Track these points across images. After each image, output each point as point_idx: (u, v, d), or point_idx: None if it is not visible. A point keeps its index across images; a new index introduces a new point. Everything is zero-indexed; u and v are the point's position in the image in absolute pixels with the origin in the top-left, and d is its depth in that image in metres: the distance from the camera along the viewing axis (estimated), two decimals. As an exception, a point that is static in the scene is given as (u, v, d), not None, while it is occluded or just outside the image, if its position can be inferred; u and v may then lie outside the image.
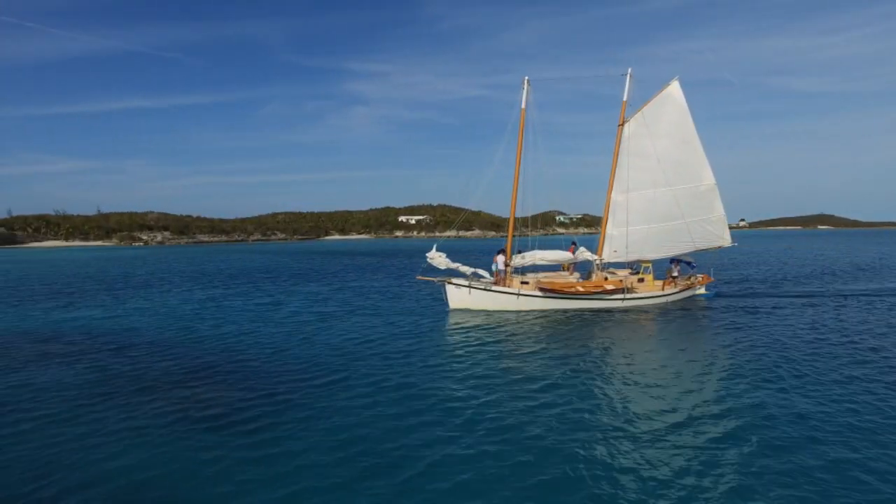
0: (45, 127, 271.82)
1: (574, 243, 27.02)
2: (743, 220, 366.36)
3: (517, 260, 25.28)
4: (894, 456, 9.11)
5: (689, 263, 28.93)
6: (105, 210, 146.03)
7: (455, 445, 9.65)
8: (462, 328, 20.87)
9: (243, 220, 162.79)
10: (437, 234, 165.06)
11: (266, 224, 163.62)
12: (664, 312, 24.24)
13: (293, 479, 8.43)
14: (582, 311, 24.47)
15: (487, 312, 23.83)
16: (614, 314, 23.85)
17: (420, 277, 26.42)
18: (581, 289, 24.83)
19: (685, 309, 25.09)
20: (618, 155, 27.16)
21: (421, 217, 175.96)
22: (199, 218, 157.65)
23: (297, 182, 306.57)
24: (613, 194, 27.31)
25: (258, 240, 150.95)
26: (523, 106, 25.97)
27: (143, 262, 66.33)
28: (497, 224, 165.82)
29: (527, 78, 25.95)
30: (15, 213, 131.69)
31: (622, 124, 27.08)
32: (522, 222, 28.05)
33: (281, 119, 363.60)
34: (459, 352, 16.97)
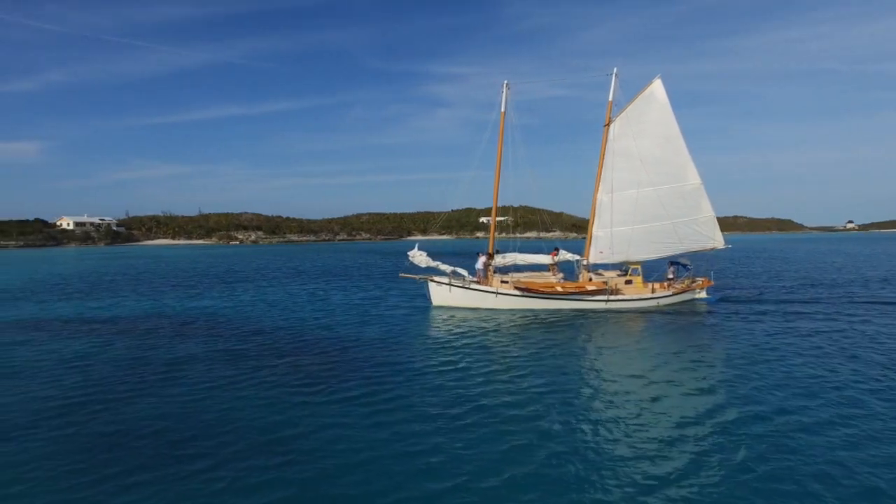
0: (155, 136, 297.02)
1: (556, 249, 27.33)
2: (851, 221, 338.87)
3: (498, 260, 25.91)
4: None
5: (684, 266, 27.99)
6: (205, 211, 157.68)
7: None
8: (439, 326, 21.06)
9: (329, 221, 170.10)
10: (517, 234, 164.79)
11: (351, 224, 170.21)
12: (651, 316, 23.41)
13: (398, 441, 9.48)
14: (563, 311, 24.28)
15: (467, 310, 24.41)
16: (597, 316, 23.40)
17: (403, 275, 27.05)
18: (560, 289, 24.91)
19: (678, 313, 24.10)
20: (604, 155, 26.95)
21: (502, 218, 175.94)
22: (288, 218, 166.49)
23: (380, 183, 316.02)
24: (599, 195, 27.10)
25: (344, 239, 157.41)
26: (503, 109, 26.57)
27: (242, 259, 71.39)
28: (577, 225, 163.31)
29: (506, 82, 26.60)
30: (131, 215, 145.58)
31: (608, 124, 26.85)
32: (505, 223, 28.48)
33: (365, 122, 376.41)
34: (446, 349, 17.56)
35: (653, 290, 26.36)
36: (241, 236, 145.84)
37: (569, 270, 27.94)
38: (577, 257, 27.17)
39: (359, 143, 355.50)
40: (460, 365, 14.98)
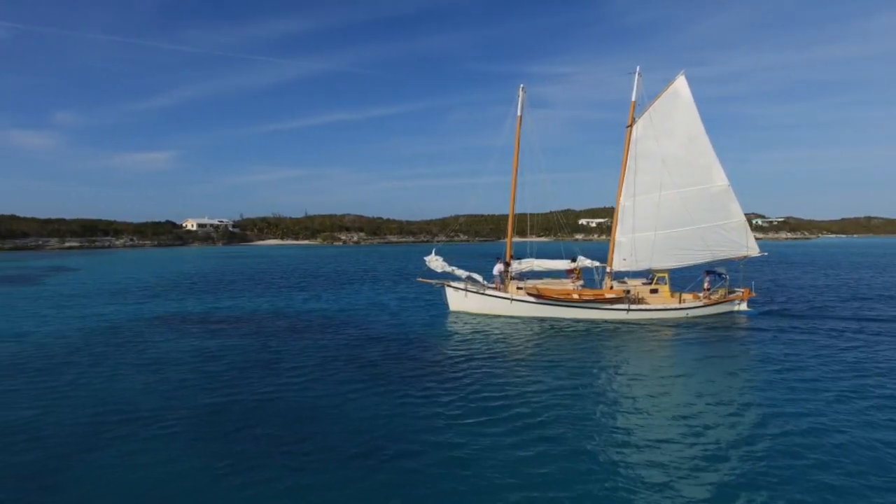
0: (267, 142, 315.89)
1: (575, 255, 26.30)
2: None
3: (514, 265, 25.38)
4: None
5: (719, 275, 25.82)
6: (311, 213, 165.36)
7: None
8: (455, 331, 20.50)
9: (428, 222, 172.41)
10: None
11: (449, 226, 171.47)
12: (677, 328, 21.69)
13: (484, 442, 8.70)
14: (581, 320, 23.17)
15: (482, 316, 24.03)
16: (616, 326, 22.11)
17: (420, 280, 27.49)
18: (577, 296, 23.92)
19: (709, 326, 22.06)
20: (627, 158, 25.27)
21: (602, 220, 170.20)
22: (388, 220, 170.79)
23: (479, 185, 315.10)
24: (622, 199, 25.52)
25: (442, 241, 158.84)
26: (519, 113, 26.08)
27: (346, 259, 73.75)
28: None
29: (522, 86, 26.15)
30: (245, 216, 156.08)
31: (631, 125, 25.20)
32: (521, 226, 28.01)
33: (466, 125, 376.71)
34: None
35: (680, 301, 24.29)
36: (343, 237, 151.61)
37: (591, 278, 26.56)
38: (598, 264, 25.95)
39: (459, 144, 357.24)
40: (480, 373, 13.73)
